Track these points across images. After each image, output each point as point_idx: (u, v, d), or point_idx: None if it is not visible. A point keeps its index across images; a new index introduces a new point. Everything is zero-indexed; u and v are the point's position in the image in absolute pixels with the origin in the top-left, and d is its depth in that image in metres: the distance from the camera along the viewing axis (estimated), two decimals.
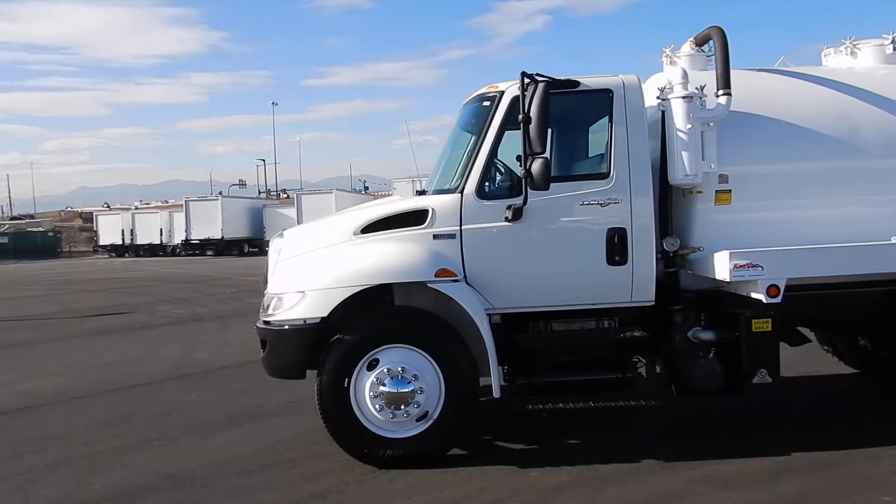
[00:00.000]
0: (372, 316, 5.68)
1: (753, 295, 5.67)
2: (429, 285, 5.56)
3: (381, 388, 5.45)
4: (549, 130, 6.10)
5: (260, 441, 6.36)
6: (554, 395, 5.75)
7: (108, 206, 65.79)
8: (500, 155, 5.84)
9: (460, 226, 5.65)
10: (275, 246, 6.15)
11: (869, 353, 7.58)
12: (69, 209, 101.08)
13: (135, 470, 5.76)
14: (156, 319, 15.35)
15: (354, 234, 5.79)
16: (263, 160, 74.86)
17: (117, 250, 52.51)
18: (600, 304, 5.81)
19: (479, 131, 5.81)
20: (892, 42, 6.58)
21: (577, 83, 5.78)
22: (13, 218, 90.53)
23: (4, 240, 56.03)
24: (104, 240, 53.98)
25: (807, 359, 8.07)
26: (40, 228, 62.67)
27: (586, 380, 5.81)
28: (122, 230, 52.29)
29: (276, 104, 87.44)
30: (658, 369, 6.23)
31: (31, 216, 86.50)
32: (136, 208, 64.60)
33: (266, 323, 5.79)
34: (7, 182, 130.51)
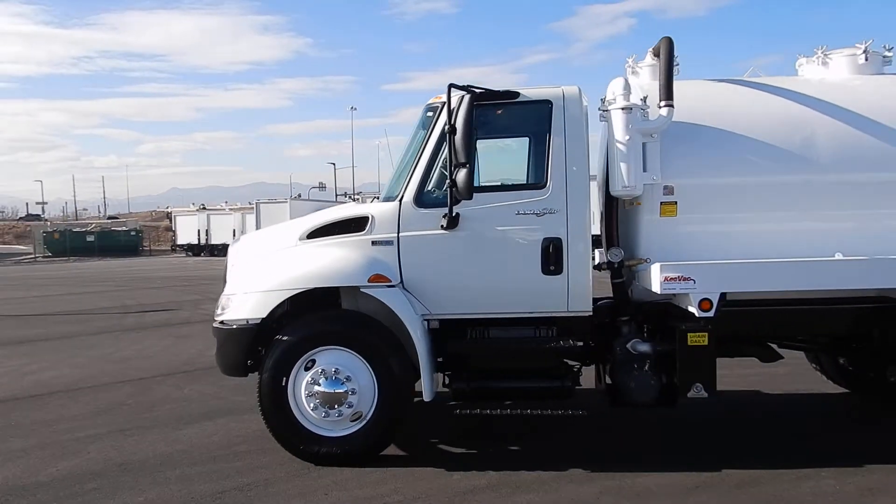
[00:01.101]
0: (311, 318, 5.91)
1: (690, 309, 5.65)
2: (362, 290, 5.76)
3: (316, 387, 5.68)
4: (496, 141, 6.22)
5: (221, 435, 6.68)
6: (490, 401, 5.86)
7: (204, 207, 68.33)
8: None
9: (398, 233, 5.83)
10: (231, 250, 6.48)
11: (851, 373, 7.37)
12: (159, 209, 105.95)
13: (96, 457, 6.16)
14: (194, 317, 16.03)
15: (300, 239, 6.05)
16: (334, 164, 77.03)
17: (193, 249, 54.79)
18: (537, 313, 5.87)
19: (422, 141, 5.97)
20: (865, 52, 6.39)
21: (516, 94, 5.87)
22: (109, 217, 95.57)
23: (91, 238, 59.23)
24: (181, 239, 56.51)
25: (798, 377, 7.94)
26: (124, 228, 65.90)
27: (520, 387, 5.90)
28: (199, 230, 54.59)
29: (356, 109, 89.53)
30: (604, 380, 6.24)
31: (116, 217, 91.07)
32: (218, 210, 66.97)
33: (220, 323, 6.11)
34: (102, 183, 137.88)
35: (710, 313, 5.54)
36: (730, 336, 6.00)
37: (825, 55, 6.52)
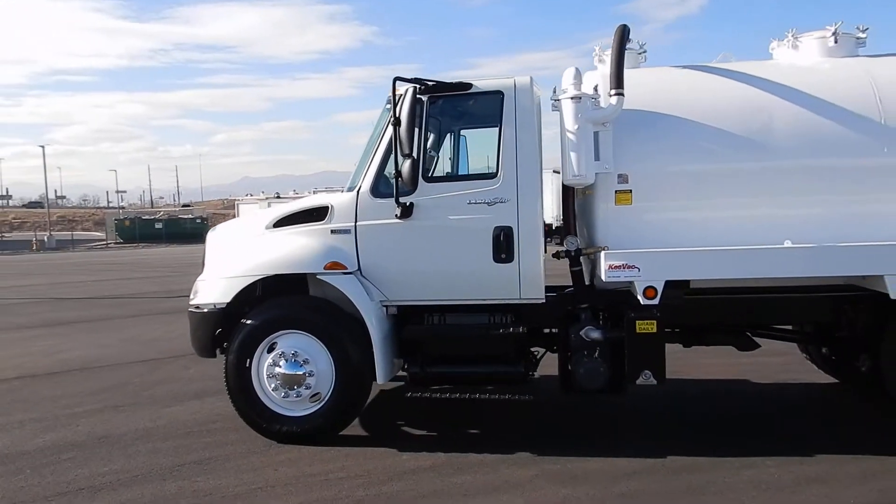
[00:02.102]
0: (273, 303, 6.17)
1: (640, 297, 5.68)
2: (318, 277, 6.00)
3: (276, 369, 5.95)
4: (452, 132, 6.35)
5: (204, 413, 7.03)
6: (444, 385, 6.02)
7: (279, 196, 70.16)
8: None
9: (355, 222, 6.03)
10: (209, 237, 6.80)
11: (834, 362, 7.25)
12: (231, 198, 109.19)
13: (82, 430, 6.60)
14: None
15: (267, 228, 6.32)
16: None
17: None
18: (490, 300, 5.99)
19: (380, 133, 6.14)
20: (834, 35, 6.25)
21: (469, 85, 5.98)
22: (183, 205, 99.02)
23: (159, 226, 61.60)
24: None
25: (792, 367, 7.82)
26: (190, 216, 68.17)
27: (473, 372, 6.05)
28: None
29: None
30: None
31: (189, 205, 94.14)
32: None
33: (194, 307, 6.44)
34: (176, 173, 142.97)
35: (655, 301, 5.56)
36: (682, 324, 6.01)
37: (795, 38, 6.40)
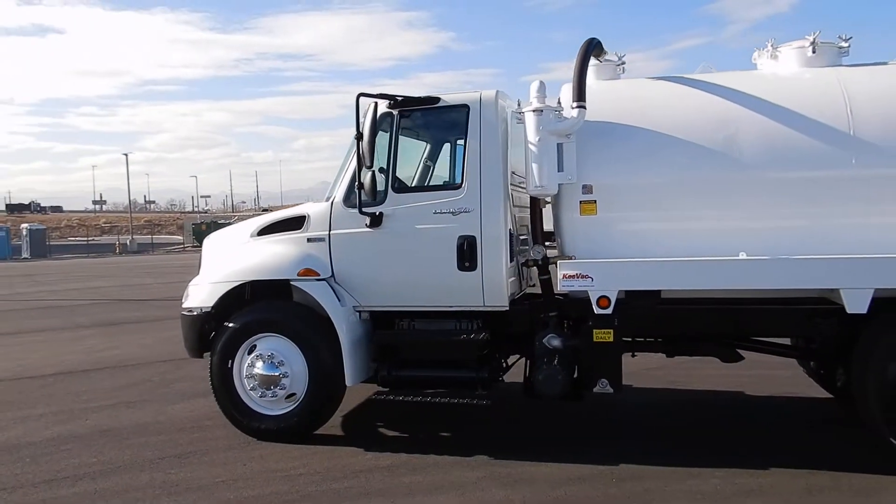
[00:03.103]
0: (254, 308, 6.53)
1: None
2: (292, 283, 6.32)
3: (254, 370, 6.32)
4: (423, 145, 6.58)
5: (201, 411, 7.44)
6: (412, 389, 6.27)
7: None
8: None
9: (329, 231, 6.33)
10: (204, 243, 7.24)
11: (823, 376, 7.10)
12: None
13: (89, 424, 7.13)
14: None
15: (251, 236, 6.70)
16: None
17: None
18: (456, 307, 6.17)
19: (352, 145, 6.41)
20: (812, 45, 6.16)
21: (437, 100, 6.20)
22: (263, 209, 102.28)
23: None
24: None
25: (799, 380, 7.69)
26: None
27: (436, 377, 6.25)
28: None
29: None
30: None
31: (269, 209, 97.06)
32: None
33: (186, 309, 6.87)
34: (256, 179, 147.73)
35: (608, 310, 5.65)
36: (654, 334, 6.08)
37: (774, 48, 6.35)
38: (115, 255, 52.91)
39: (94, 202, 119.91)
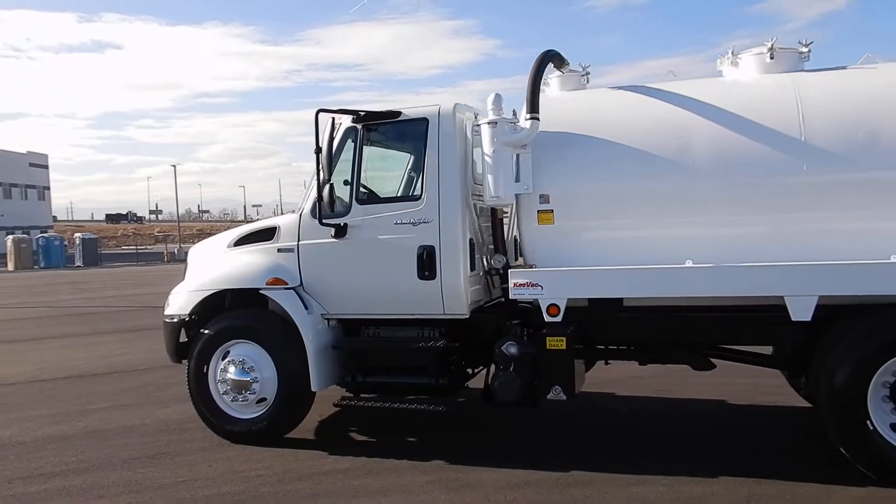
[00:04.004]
0: (227, 315, 6.78)
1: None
2: (261, 291, 6.55)
3: (227, 375, 6.57)
4: (386, 157, 6.77)
5: (186, 415, 7.53)
6: (375, 394, 6.45)
7: None
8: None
9: (298, 241, 6.55)
10: (189, 253, 7.55)
11: (795, 385, 7.04)
12: None
13: (79, 425, 7.48)
14: None
15: (228, 246, 6.97)
16: None
17: None
18: (417, 315, 6.32)
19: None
20: (770, 51, 6.16)
21: (398, 113, 6.37)
22: None
23: None
24: None
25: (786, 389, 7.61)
26: None
27: (396, 382, 6.41)
28: None
29: None
30: None
31: None
32: None
33: (167, 316, 7.16)
34: (304, 187, 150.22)
35: (558, 318, 5.73)
36: (617, 342, 6.14)
37: (734, 55, 6.35)
38: (163, 263, 54.35)
39: (151, 212, 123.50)
